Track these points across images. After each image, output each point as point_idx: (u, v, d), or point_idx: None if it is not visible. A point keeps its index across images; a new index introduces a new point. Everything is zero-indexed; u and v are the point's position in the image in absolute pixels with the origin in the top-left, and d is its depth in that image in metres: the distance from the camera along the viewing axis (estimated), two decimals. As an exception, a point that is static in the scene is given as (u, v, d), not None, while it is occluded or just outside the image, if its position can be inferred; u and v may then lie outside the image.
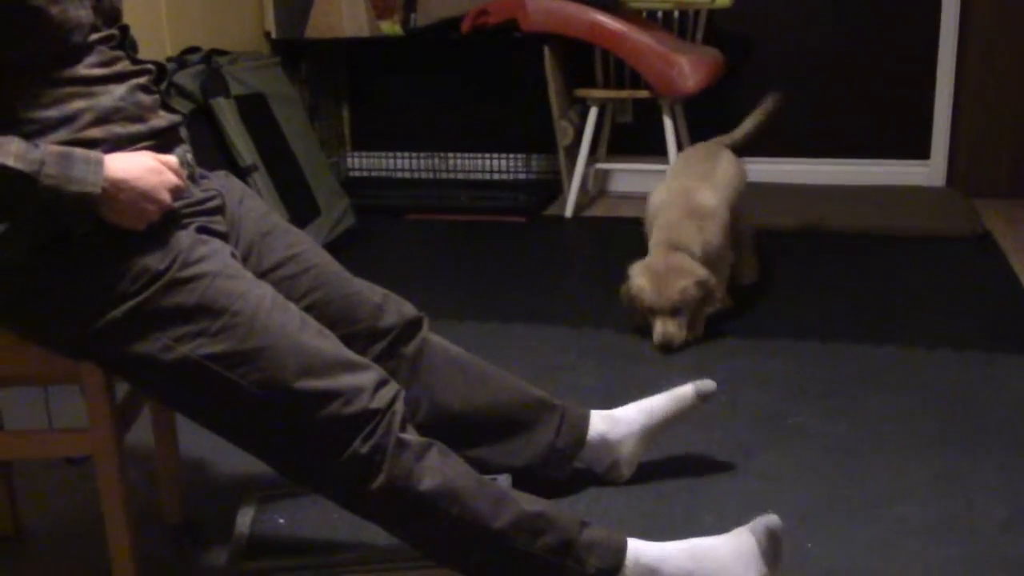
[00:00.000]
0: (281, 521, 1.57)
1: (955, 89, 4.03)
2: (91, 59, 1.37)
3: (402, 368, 1.68)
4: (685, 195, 2.66)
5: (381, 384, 1.38)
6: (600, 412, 1.85)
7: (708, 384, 1.84)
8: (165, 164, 1.37)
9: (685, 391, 1.83)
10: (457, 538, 1.36)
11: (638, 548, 1.41)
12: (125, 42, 1.46)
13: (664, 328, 2.49)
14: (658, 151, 4.03)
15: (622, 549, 1.40)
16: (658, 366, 2.43)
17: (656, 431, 1.85)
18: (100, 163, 1.30)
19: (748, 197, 2.88)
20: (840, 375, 2.33)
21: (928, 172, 4.13)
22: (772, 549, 1.43)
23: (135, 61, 1.46)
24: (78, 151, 1.29)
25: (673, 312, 2.49)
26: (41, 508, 1.88)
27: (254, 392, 1.32)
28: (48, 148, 1.27)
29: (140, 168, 1.33)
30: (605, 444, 1.83)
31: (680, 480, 1.88)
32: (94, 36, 1.38)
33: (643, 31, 3.69)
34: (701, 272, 2.50)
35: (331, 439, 1.33)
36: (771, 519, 1.44)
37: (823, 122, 4.18)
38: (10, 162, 1.24)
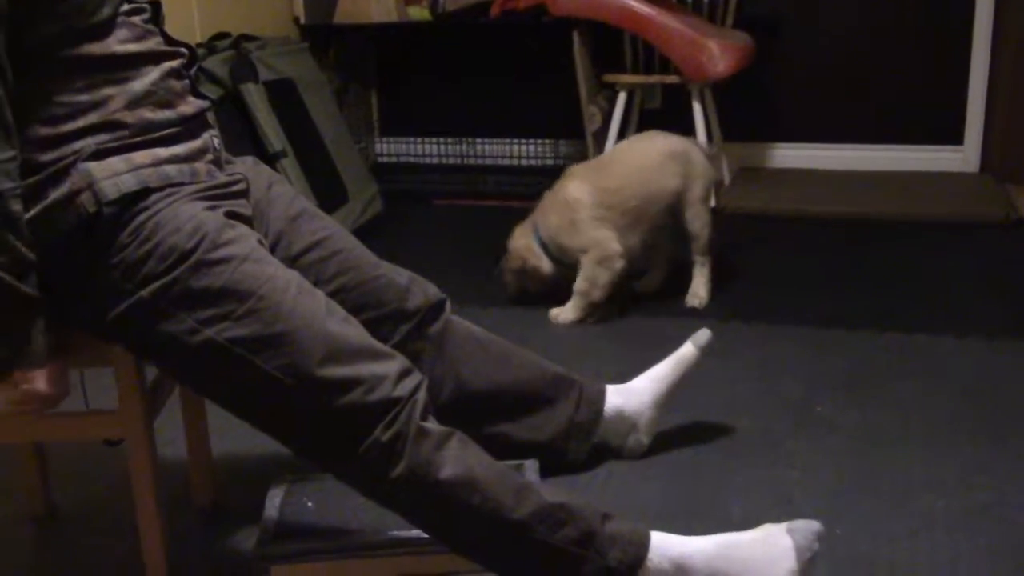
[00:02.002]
0: (310, 505, 1.58)
1: (989, 75, 3.98)
2: (123, 33, 1.37)
3: (428, 348, 1.71)
4: (565, 180, 2.70)
5: (404, 373, 1.39)
6: (614, 386, 1.90)
7: (704, 335, 1.90)
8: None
9: (687, 351, 1.90)
10: (477, 527, 1.36)
11: (662, 541, 1.40)
12: (158, 17, 1.47)
13: None
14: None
15: (645, 542, 1.39)
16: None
17: (668, 397, 1.90)
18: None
19: (692, 199, 2.71)
20: (869, 363, 2.31)
21: (962, 158, 4.08)
22: (810, 554, 1.39)
23: (168, 41, 1.47)
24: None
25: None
26: (74, 489, 1.90)
27: (277, 377, 1.33)
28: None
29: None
30: (622, 417, 1.88)
31: (707, 468, 1.88)
32: (124, 7, 1.38)
33: (672, 15, 3.67)
34: (518, 245, 2.72)
35: (353, 426, 1.34)
36: (815, 525, 1.40)
37: (855, 108, 4.14)
38: None
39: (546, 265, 2.71)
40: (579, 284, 2.65)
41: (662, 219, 2.70)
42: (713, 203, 3.72)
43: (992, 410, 2.05)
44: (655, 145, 2.71)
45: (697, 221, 2.71)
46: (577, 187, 2.64)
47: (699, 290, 2.76)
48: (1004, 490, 1.75)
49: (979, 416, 2.03)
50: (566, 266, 2.69)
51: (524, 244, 2.72)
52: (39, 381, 1.35)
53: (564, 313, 2.68)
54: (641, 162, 2.67)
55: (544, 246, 2.70)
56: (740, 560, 1.38)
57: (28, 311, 1.31)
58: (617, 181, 2.63)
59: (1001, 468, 1.83)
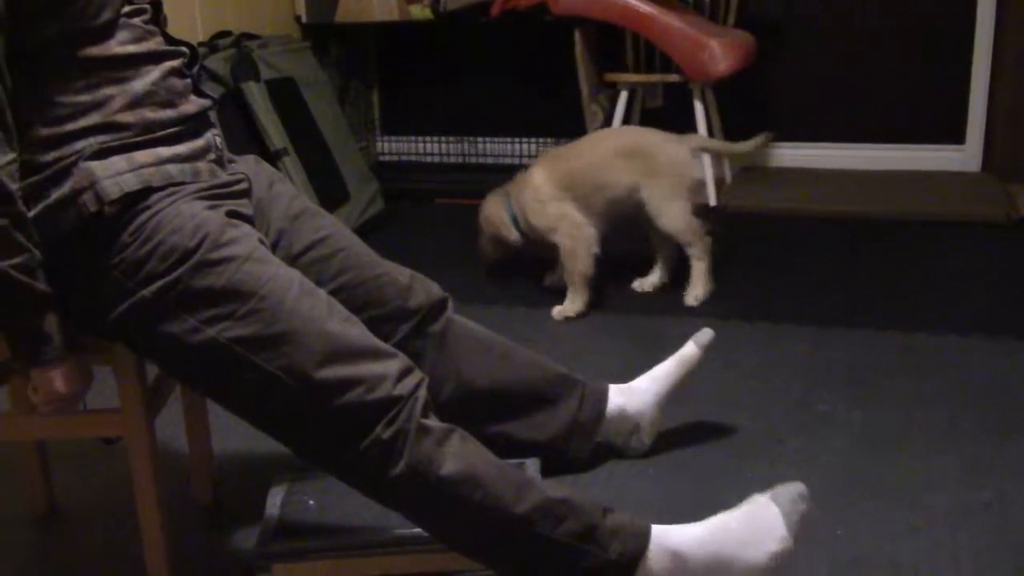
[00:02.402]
0: (311, 503, 1.58)
1: (991, 74, 3.97)
2: (123, 35, 1.38)
3: (429, 347, 1.71)
4: (533, 164, 2.80)
5: (405, 372, 1.39)
6: (617, 386, 1.90)
7: (706, 334, 1.90)
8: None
9: (689, 351, 1.90)
10: (479, 523, 1.36)
11: (662, 533, 1.41)
12: (158, 18, 1.47)
13: None
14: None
15: (646, 535, 1.39)
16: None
17: (670, 396, 1.90)
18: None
19: (654, 196, 2.70)
20: (870, 361, 2.31)
21: (963, 157, 4.07)
22: (797, 516, 1.40)
23: (169, 40, 1.47)
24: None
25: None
26: (75, 487, 1.91)
27: (279, 376, 1.33)
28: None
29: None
30: (624, 417, 1.87)
31: (708, 466, 1.88)
32: (125, 9, 1.39)
33: (674, 14, 3.66)
34: (491, 212, 2.85)
35: (353, 425, 1.34)
36: (797, 486, 1.42)
37: (856, 107, 4.13)
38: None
39: (514, 236, 2.83)
40: (566, 266, 2.71)
41: (622, 212, 2.74)
42: (713, 202, 3.74)
43: (993, 408, 2.05)
44: (610, 140, 2.77)
45: (666, 219, 2.71)
46: (539, 173, 2.74)
47: (695, 289, 2.77)
48: (1006, 488, 1.75)
49: (981, 414, 2.03)
50: (532, 241, 2.80)
51: (496, 212, 2.84)
52: (56, 380, 1.35)
53: (567, 307, 2.70)
54: (593, 156, 2.73)
55: (514, 218, 2.81)
56: (733, 537, 1.40)
57: (44, 309, 1.32)
58: (571, 171, 2.71)
59: (1002, 466, 1.83)
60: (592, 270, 2.70)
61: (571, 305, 2.70)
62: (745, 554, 1.38)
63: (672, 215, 2.70)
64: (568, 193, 2.70)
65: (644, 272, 2.91)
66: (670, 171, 2.70)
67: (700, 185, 2.75)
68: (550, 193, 2.71)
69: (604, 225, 2.74)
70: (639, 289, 2.89)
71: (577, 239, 2.68)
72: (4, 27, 1.28)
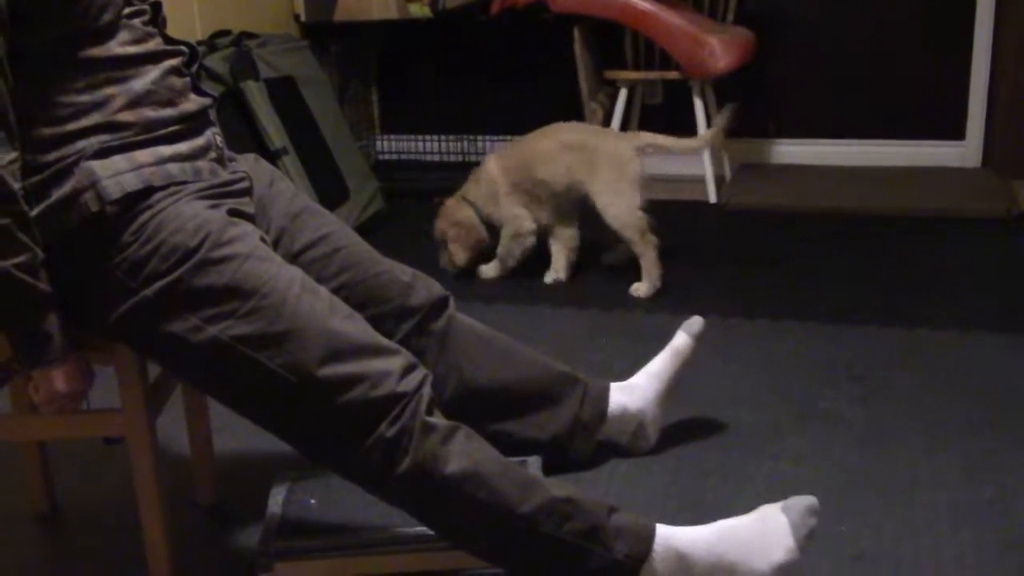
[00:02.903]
0: (313, 502, 1.58)
1: (991, 69, 3.97)
2: (123, 36, 1.38)
3: (431, 345, 1.71)
4: (485, 159, 2.98)
5: (409, 368, 1.38)
6: (618, 384, 1.90)
7: (696, 323, 1.92)
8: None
9: (681, 341, 1.90)
10: (483, 522, 1.36)
11: (667, 534, 1.40)
12: (157, 19, 1.47)
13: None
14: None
15: (650, 535, 1.39)
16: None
17: (670, 390, 1.90)
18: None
19: (597, 190, 2.79)
20: (872, 358, 2.31)
21: (963, 153, 4.07)
22: (806, 530, 1.39)
23: (168, 40, 1.47)
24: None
25: (442, 242, 3.01)
26: (77, 487, 1.90)
27: (282, 375, 1.33)
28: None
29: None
30: (626, 415, 1.87)
31: (710, 463, 1.87)
32: (126, 10, 1.39)
33: (673, 11, 3.66)
34: (462, 217, 2.96)
35: (358, 422, 1.34)
36: (809, 500, 1.40)
37: (856, 103, 4.13)
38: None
39: (485, 233, 2.98)
40: (499, 251, 2.97)
41: (569, 203, 2.89)
42: (713, 199, 3.74)
43: (996, 404, 2.05)
44: (556, 136, 2.88)
45: (609, 212, 2.78)
46: (493, 165, 2.93)
47: (643, 285, 2.81)
48: (1008, 484, 1.75)
49: (983, 410, 2.03)
50: (496, 231, 2.97)
51: (466, 216, 2.96)
52: (57, 380, 1.35)
53: (487, 270, 3.02)
54: (539, 150, 2.86)
55: (479, 215, 2.95)
56: (740, 543, 1.39)
57: (45, 309, 1.31)
58: (518, 165, 2.88)
59: (1005, 462, 1.83)
60: (518, 265, 2.97)
61: (490, 271, 3.01)
62: (750, 561, 1.37)
63: (614, 211, 2.78)
64: (517, 187, 2.87)
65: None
66: (612, 167, 2.78)
67: (647, 181, 2.82)
68: (503, 185, 2.90)
69: (550, 216, 2.91)
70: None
71: (516, 244, 2.92)
72: (6, 27, 1.28)
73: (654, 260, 2.79)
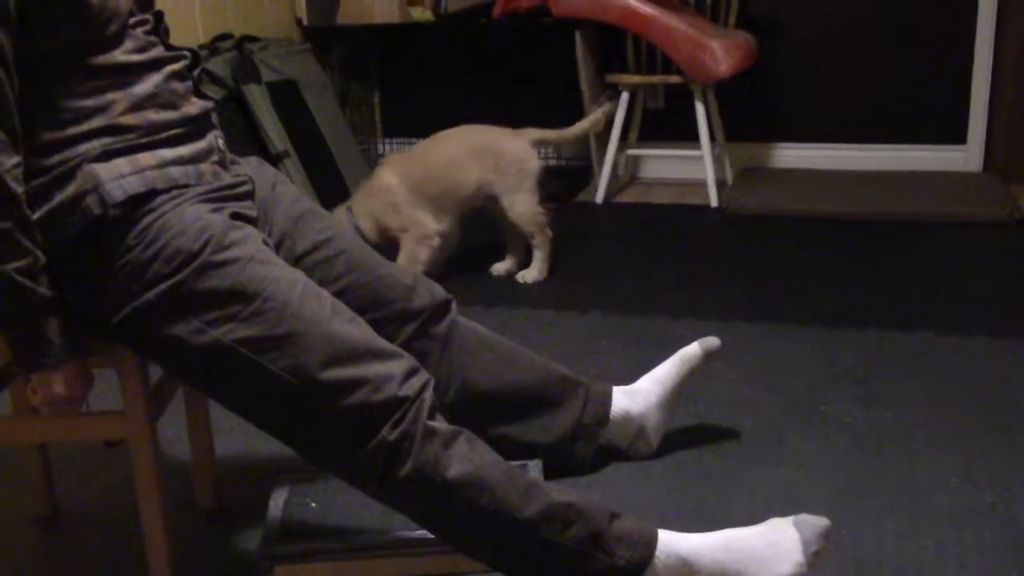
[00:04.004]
0: (313, 505, 1.58)
1: (992, 73, 3.97)
2: (127, 44, 1.39)
3: (433, 348, 1.70)
4: (379, 168, 2.95)
5: (411, 372, 1.38)
6: (621, 388, 1.89)
7: (712, 341, 1.90)
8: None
9: (692, 350, 1.89)
10: (484, 527, 1.36)
11: (670, 540, 1.39)
12: (160, 27, 1.47)
13: None
14: (690, 137, 4.00)
15: (652, 541, 1.38)
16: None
17: (673, 396, 1.90)
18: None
19: (504, 189, 2.90)
20: (873, 362, 2.31)
21: (964, 157, 4.07)
22: (816, 547, 1.38)
23: (169, 47, 1.47)
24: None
25: None
26: (77, 490, 1.90)
27: (283, 378, 1.33)
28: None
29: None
30: (628, 419, 1.87)
31: (711, 466, 1.87)
32: (130, 20, 1.39)
33: (675, 15, 3.66)
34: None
35: (359, 426, 1.34)
36: (824, 522, 1.39)
37: (858, 108, 4.13)
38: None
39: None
40: (400, 260, 2.87)
41: (471, 207, 2.96)
42: (715, 203, 3.74)
43: (997, 408, 2.05)
44: (457, 141, 2.94)
45: (514, 210, 2.91)
46: (389, 174, 2.90)
47: (532, 271, 2.99)
48: (1010, 488, 1.75)
49: (984, 414, 2.03)
50: (380, 244, 2.84)
51: (342, 222, 2.91)
52: (56, 383, 1.35)
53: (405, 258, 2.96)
54: (442, 157, 2.91)
55: (357, 228, 2.89)
56: (747, 553, 1.38)
57: (46, 313, 1.32)
58: (421, 171, 2.89)
59: (1006, 466, 1.82)
60: (424, 271, 2.85)
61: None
62: (756, 571, 1.37)
63: (519, 208, 2.91)
64: (420, 195, 2.87)
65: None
66: (516, 165, 2.90)
67: (543, 176, 2.96)
68: (403, 195, 2.87)
69: (454, 221, 2.95)
70: (495, 274, 3.09)
71: (422, 247, 2.90)
72: (13, 34, 1.28)
73: (548, 254, 2.98)
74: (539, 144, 2.98)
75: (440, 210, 2.90)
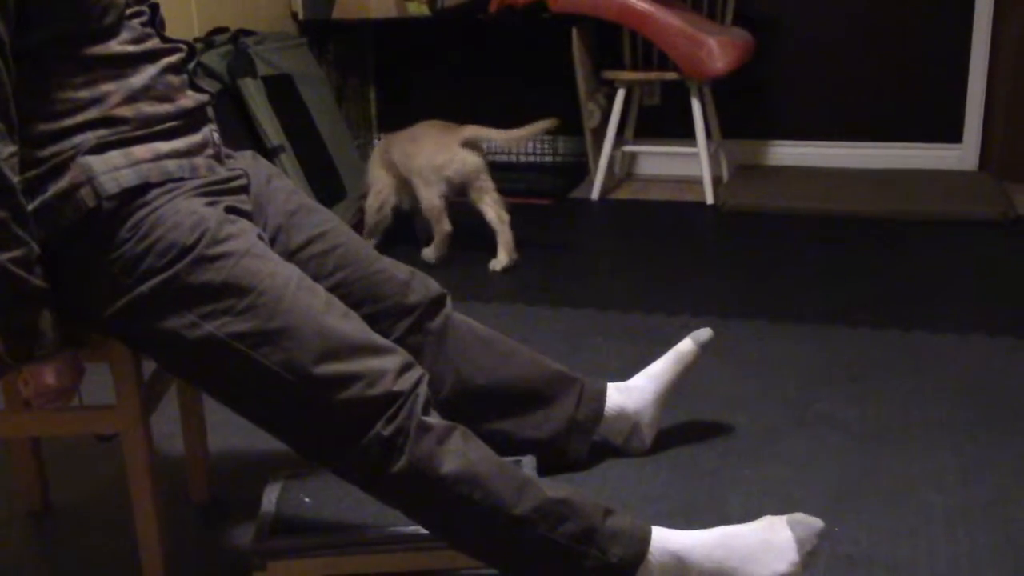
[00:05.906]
0: (307, 500, 1.57)
1: (988, 72, 3.97)
2: (123, 36, 1.38)
3: (428, 343, 1.70)
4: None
5: (405, 367, 1.38)
6: (615, 384, 1.89)
7: (705, 333, 1.90)
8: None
9: (685, 346, 1.89)
10: (478, 523, 1.36)
11: (664, 536, 1.39)
12: (155, 19, 1.47)
13: None
14: (686, 134, 4.00)
15: (646, 538, 1.38)
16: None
17: (668, 393, 1.90)
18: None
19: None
20: (869, 360, 2.31)
21: (960, 156, 4.08)
22: (810, 547, 1.38)
23: (165, 40, 1.46)
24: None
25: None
26: (70, 485, 1.90)
27: (277, 372, 1.33)
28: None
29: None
30: (623, 415, 1.87)
31: (706, 464, 1.87)
32: (126, 12, 1.39)
33: (672, 12, 3.66)
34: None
35: (353, 421, 1.33)
36: (819, 524, 1.39)
37: (854, 105, 4.14)
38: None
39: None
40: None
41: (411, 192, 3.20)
42: (711, 200, 3.73)
43: (992, 407, 2.05)
44: (411, 129, 3.19)
45: (421, 198, 3.12)
46: (378, 145, 3.31)
47: (500, 257, 3.11)
48: (1005, 487, 1.75)
49: (979, 413, 2.03)
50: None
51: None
52: (47, 375, 1.34)
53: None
54: (401, 140, 3.18)
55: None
56: (741, 551, 1.37)
57: (39, 304, 1.31)
58: (388, 149, 3.22)
59: (1001, 465, 1.83)
60: (375, 226, 3.27)
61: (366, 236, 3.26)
62: (751, 569, 1.36)
63: (424, 200, 3.11)
64: (387, 167, 3.23)
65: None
66: (428, 158, 3.08)
67: (472, 174, 3.10)
68: (376, 161, 3.28)
69: (408, 198, 3.26)
70: (423, 259, 3.20)
71: (371, 205, 3.25)
72: (10, 25, 1.28)
73: (507, 240, 3.10)
74: (472, 143, 3.11)
75: (399, 187, 3.24)
